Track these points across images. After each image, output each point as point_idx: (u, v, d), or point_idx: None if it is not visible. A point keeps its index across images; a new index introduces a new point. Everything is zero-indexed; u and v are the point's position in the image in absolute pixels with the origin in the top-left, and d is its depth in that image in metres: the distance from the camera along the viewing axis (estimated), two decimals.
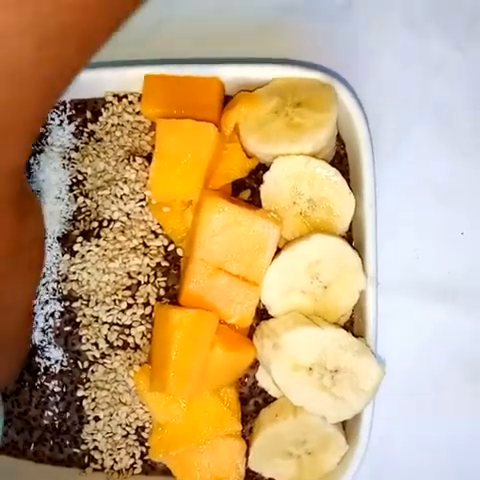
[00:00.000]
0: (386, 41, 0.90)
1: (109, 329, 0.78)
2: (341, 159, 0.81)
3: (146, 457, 0.80)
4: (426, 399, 0.86)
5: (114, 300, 0.78)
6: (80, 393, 0.80)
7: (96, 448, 0.80)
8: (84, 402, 0.80)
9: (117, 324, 0.78)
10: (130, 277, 0.78)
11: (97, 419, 0.80)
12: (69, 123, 0.83)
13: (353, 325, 0.78)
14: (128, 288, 0.78)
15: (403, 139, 0.89)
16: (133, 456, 0.80)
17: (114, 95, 0.83)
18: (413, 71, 0.90)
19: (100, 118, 0.83)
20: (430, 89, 0.89)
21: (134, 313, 0.78)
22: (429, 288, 0.87)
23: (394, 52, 0.90)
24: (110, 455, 0.80)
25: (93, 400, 0.80)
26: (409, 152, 0.89)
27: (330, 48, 0.88)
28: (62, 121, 0.83)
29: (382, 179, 0.85)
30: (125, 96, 0.83)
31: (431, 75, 0.90)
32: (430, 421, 0.86)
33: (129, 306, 0.78)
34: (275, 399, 0.78)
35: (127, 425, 0.79)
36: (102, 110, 0.83)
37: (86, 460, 0.81)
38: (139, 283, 0.78)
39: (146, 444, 0.79)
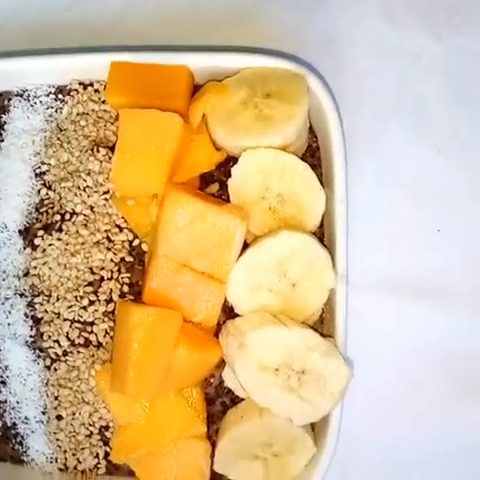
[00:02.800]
0: (364, 32, 0.87)
1: (70, 326, 0.76)
2: (314, 152, 0.79)
3: (110, 457, 0.77)
4: (404, 404, 0.84)
5: (75, 296, 0.75)
6: (42, 391, 0.77)
7: (59, 447, 0.78)
8: (46, 401, 0.77)
9: (79, 321, 0.75)
10: (92, 272, 0.76)
11: (60, 418, 0.78)
12: (33, 111, 0.80)
13: (323, 323, 0.76)
14: (90, 284, 0.76)
15: (380, 133, 0.87)
16: (97, 456, 0.78)
17: (79, 83, 0.80)
18: (391, 63, 0.87)
19: (65, 106, 0.80)
20: (408, 81, 0.87)
21: (96, 310, 0.75)
22: (406, 287, 0.85)
23: (372, 44, 0.87)
24: (73, 455, 0.78)
25: (56, 398, 0.77)
26: (386, 147, 0.86)
27: (307, 39, 0.86)
28: (25, 109, 0.80)
29: (359, 174, 0.83)
30: (91, 84, 0.80)
31: (409, 67, 0.87)
32: (408, 428, 0.84)
33: (91, 303, 0.75)
34: (243, 399, 0.75)
35: (90, 424, 0.77)
36: (67, 98, 0.80)
37: (49, 460, 0.78)
38: (102, 279, 0.76)
39: (110, 444, 0.77)
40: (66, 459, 0.78)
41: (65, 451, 0.78)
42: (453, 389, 0.84)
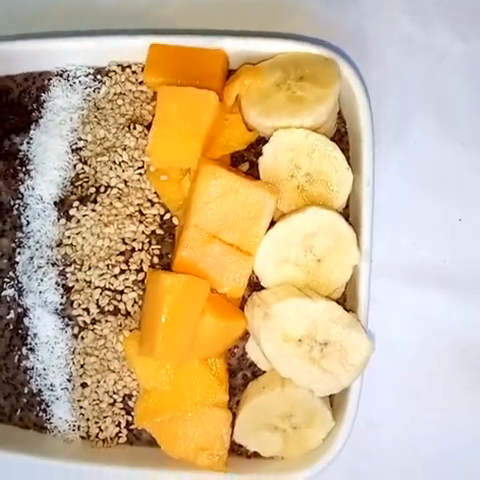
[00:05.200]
0: (392, 29, 0.90)
1: (101, 294, 0.78)
2: (342, 137, 0.81)
3: (132, 426, 0.80)
4: (420, 389, 0.85)
5: (107, 265, 0.78)
6: (68, 359, 0.79)
7: (82, 415, 0.80)
8: (72, 368, 0.79)
9: (109, 289, 0.78)
10: (124, 243, 0.78)
11: (84, 385, 0.79)
12: (71, 91, 0.83)
13: (345, 302, 0.78)
14: (122, 254, 0.78)
15: (405, 125, 0.89)
16: (119, 425, 0.80)
17: (118, 65, 0.83)
18: (417, 59, 0.90)
19: (103, 87, 0.83)
20: (433, 77, 0.90)
21: (126, 279, 0.77)
22: (426, 274, 0.87)
23: (399, 39, 0.90)
24: (96, 423, 0.80)
25: (81, 366, 0.79)
26: (410, 138, 0.89)
27: (337, 32, 0.89)
28: (64, 88, 0.83)
29: (382, 163, 0.85)
30: (129, 66, 0.83)
31: (434, 64, 0.90)
32: (422, 414, 0.85)
33: (122, 271, 0.78)
34: (264, 372, 0.77)
35: (114, 393, 0.79)
36: (105, 79, 0.83)
37: (72, 428, 0.80)
38: (133, 249, 0.78)
39: (132, 413, 0.79)
40: (88, 427, 0.80)
41: (88, 419, 0.80)
42: (467, 376, 0.85)
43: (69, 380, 0.80)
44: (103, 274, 0.78)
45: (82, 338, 0.79)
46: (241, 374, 0.78)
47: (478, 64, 0.90)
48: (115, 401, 0.79)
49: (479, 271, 0.86)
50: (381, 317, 0.82)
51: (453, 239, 0.87)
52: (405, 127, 0.89)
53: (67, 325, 0.79)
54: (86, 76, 0.84)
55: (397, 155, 0.88)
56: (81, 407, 0.80)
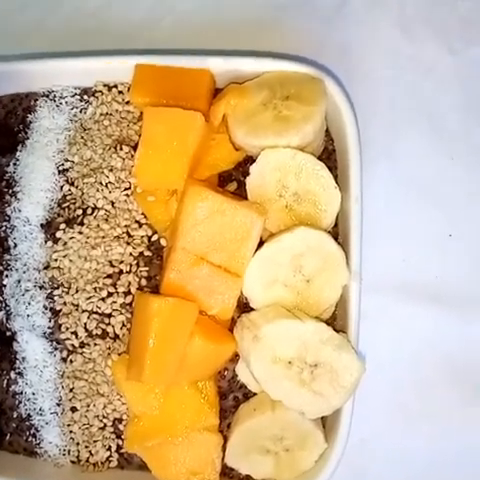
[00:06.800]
0: (379, 43, 0.90)
1: (89, 317, 0.77)
2: (329, 155, 0.81)
3: (122, 450, 0.79)
4: (412, 405, 0.85)
5: (95, 288, 0.77)
6: (58, 383, 0.78)
7: (72, 440, 0.79)
8: (62, 392, 0.78)
9: (97, 312, 0.77)
10: (112, 265, 0.78)
11: (74, 410, 0.79)
12: (58, 111, 0.83)
13: (336, 321, 0.77)
14: (109, 276, 0.77)
15: (394, 140, 0.89)
16: (109, 449, 0.79)
17: (104, 85, 0.83)
18: (405, 72, 0.90)
19: (89, 107, 0.83)
20: (422, 90, 0.89)
21: (114, 302, 0.77)
22: (417, 291, 0.86)
23: (387, 54, 0.90)
24: (86, 447, 0.79)
25: (71, 390, 0.79)
26: (400, 153, 0.88)
27: (324, 47, 0.89)
28: (51, 109, 0.83)
29: (372, 179, 0.85)
30: (115, 86, 0.83)
31: (423, 77, 0.90)
32: (414, 429, 0.84)
33: (110, 294, 0.77)
34: (255, 394, 0.76)
35: (104, 417, 0.78)
36: (92, 99, 0.83)
37: (62, 452, 0.79)
38: (121, 272, 0.78)
39: (122, 437, 0.78)
40: (79, 451, 0.79)
41: (78, 443, 0.79)
42: (459, 392, 0.85)
43: (58, 404, 0.79)
44: (90, 297, 0.77)
45: (71, 362, 0.78)
46: (232, 396, 0.77)
47: (466, 77, 0.90)
48: (105, 425, 0.78)
49: (470, 287, 0.86)
50: (372, 334, 0.81)
51: (444, 255, 0.86)
52: (394, 142, 0.89)
53: (55, 349, 0.79)
54: (72, 96, 0.84)
55: (386, 171, 0.88)
56: (71, 431, 0.79)
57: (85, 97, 0.83)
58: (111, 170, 0.79)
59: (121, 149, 0.79)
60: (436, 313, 0.85)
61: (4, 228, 0.80)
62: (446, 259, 0.86)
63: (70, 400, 0.79)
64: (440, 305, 0.85)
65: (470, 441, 0.85)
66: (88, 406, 0.78)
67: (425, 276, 0.86)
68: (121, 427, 0.78)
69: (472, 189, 0.88)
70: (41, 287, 0.79)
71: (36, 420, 0.80)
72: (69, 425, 0.79)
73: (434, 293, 0.86)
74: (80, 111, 0.83)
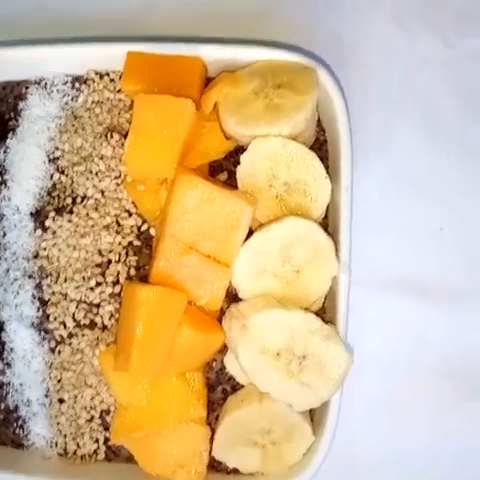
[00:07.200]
0: (373, 35, 0.89)
1: (77, 307, 0.76)
2: (321, 146, 0.80)
3: (110, 443, 0.78)
4: (402, 403, 0.84)
5: (83, 277, 0.76)
6: (45, 374, 0.78)
7: (60, 431, 0.78)
8: (49, 383, 0.78)
9: (85, 302, 0.76)
10: (101, 254, 0.77)
11: (62, 401, 0.78)
12: (49, 99, 0.82)
13: (325, 313, 0.76)
14: (98, 265, 0.77)
15: (388, 133, 0.88)
16: (97, 441, 0.78)
17: (96, 72, 0.82)
18: (399, 65, 0.89)
19: (81, 95, 0.82)
20: (416, 83, 0.88)
21: (103, 291, 0.76)
22: (408, 285, 0.85)
23: (381, 46, 0.89)
24: (73, 439, 0.79)
25: (58, 381, 0.78)
26: (393, 146, 0.88)
27: (318, 38, 0.88)
28: (42, 97, 0.82)
29: (365, 171, 0.84)
30: (107, 74, 0.82)
31: (417, 70, 0.89)
32: (404, 428, 0.84)
33: (98, 284, 0.76)
34: (243, 387, 0.76)
35: (92, 408, 0.78)
36: (83, 87, 0.82)
37: (49, 444, 0.79)
38: (110, 261, 0.77)
39: (110, 429, 0.77)
40: (66, 444, 0.79)
41: (65, 435, 0.78)
42: (451, 388, 0.84)
43: (46, 395, 0.78)
44: (79, 287, 0.76)
45: (59, 352, 0.78)
46: (220, 388, 0.77)
47: (461, 70, 0.88)
48: (93, 417, 0.78)
49: (461, 282, 0.85)
50: (361, 329, 0.80)
51: (435, 249, 0.86)
52: (387, 136, 0.88)
53: (44, 339, 0.78)
54: (64, 84, 0.83)
55: (379, 165, 0.87)
56: (58, 423, 0.78)
57: (76, 85, 0.82)
58: (101, 158, 0.78)
59: (112, 137, 0.79)
60: (427, 308, 0.85)
61: None
62: (437, 254, 0.85)
63: (58, 391, 0.78)
64: (431, 300, 0.85)
65: (460, 437, 0.84)
66: (76, 397, 0.78)
67: (416, 271, 0.85)
68: (109, 419, 0.78)
69: (465, 184, 0.87)
70: (30, 276, 0.78)
71: (24, 411, 0.79)
72: (57, 417, 0.78)
73: (425, 288, 0.85)
74: (71, 99, 0.82)
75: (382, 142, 0.87)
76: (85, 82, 0.82)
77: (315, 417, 0.76)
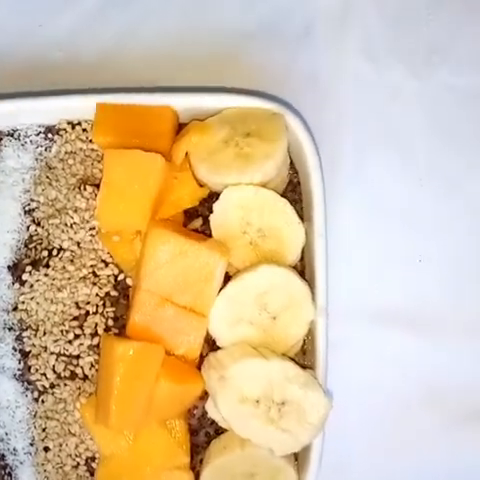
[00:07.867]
0: (345, 70, 0.90)
1: (57, 359, 0.77)
2: (295, 187, 0.81)
3: None
4: (389, 434, 0.85)
5: (62, 330, 0.77)
6: (30, 423, 0.78)
7: (47, 479, 0.79)
8: (34, 432, 0.78)
9: (64, 355, 0.77)
10: (78, 307, 0.77)
11: (47, 449, 0.79)
12: (23, 150, 0.83)
13: (305, 355, 0.77)
14: (76, 318, 0.77)
15: (362, 165, 0.89)
16: None
17: (68, 122, 0.83)
18: (371, 98, 0.90)
19: (54, 145, 0.82)
20: (388, 116, 0.89)
21: (81, 344, 0.77)
22: (388, 316, 0.86)
23: (352, 80, 0.90)
24: None
25: (43, 430, 0.79)
26: (367, 178, 0.89)
27: (290, 77, 0.89)
28: (16, 148, 0.83)
29: (341, 204, 0.85)
30: (79, 123, 0.83)
31: (389, 102, 0.90)
32: (391, 460, 0.85)
33: (77, 336, 0.77)
34: (226, 430, 0.76)
35: (77, 456, 0.78)
36: (56, 137, 0.82)
37: None
38: (87, 313, 0.77)
39: (94, 477, 0.78)
40: None
41: None
42: (438, 417, 0.85)
43: (32, 444, 0.79)
44: (58, 340, 0.77)
45: (42, 402, 0.78)
46: (203, 432, 0.77)
47: (432, 102, 0.90)
48: (78, 464, 0.78)
49: (443, 312, 0.86)
50: (345, 363, 0.81)
51: (415, 280, 0.87)
52: (362, 168, 0.89)
53: (27, 389, 0.78)
54: (37, 135, 0.83)
55: (354, 196, 0.88)
56: (45, 470, 0.79)
57: (49, 135, 0.83)
58: (75, 211, 0.79)
59: (85, 189, 0.79)
60: (407, 338, 0.85)
61: None
62: (417, 284, 0.86)
63: (43, 440, 0.78)
64: (413, 331, 0.86)
65: (447, 465, 0.85)
66: (61, 446, 0.78)
67: (395, 301, 0.86)
68: (94, 465, 0.78)
69: (441, 213, 0.88)
70: (10, 329, 0.79)
71: (10, 460, 0.80)
72: (43, 464, 0.79)
73: (407, 320, 0.86)
74: (45, 149, 0.83)
75: (357, 174, 0.88)
76: (57, 132, 0.83)
77: (299, 459, 0.77)
